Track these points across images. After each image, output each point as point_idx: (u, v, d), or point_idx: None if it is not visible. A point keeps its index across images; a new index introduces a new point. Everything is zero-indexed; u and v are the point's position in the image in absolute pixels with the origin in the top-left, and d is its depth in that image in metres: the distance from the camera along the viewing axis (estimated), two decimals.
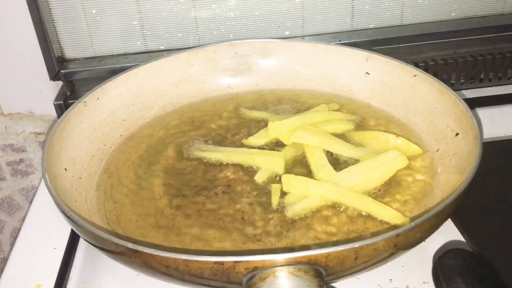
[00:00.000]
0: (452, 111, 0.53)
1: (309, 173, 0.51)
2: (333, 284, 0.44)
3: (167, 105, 0.63)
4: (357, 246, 0.35)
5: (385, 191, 0.49)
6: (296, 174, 0.50)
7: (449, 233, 0.49)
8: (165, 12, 0.68)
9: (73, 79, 0.70)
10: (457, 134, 0.51)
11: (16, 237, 0.53)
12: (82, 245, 0.50)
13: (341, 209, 0.47)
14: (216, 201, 0.48)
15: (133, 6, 0.68)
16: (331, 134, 0.55)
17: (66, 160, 0.51)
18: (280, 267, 0.35)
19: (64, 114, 0.53)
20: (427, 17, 0.74)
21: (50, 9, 0.66)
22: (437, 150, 0.53)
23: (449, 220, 0.48)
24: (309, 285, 0.34)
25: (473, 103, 0.66)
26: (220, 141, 0.57)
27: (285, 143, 0.54)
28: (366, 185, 0.49)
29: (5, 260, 0.52)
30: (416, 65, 0.69)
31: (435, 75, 0.67)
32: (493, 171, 0.53)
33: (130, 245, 0.36)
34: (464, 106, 0.51)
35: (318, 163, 0.51)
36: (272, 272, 0.35)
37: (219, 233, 0.45)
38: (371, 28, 0.73)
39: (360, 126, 0.58)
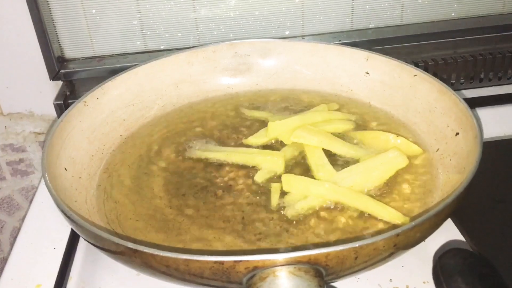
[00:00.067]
0: (452, 110, 0.53)
1: (309, 173, 0.51)
2: (333, 284, 0.44)
3: (167, 105, 0.63)
4: (357, 245, 0.35)
5: (385, 191, 0.49)
6: (296, 174, 0.50)
7: (449, 232, 0.49)
8: (165, 12, 0.68)
9: (73, 79, 0.70)
10: (457, 133, 0.51)
11: (16, 237, 0.53)
12: (82, 244, 0.50)
13: (341, 209, 0.47)
14: (216, 201, 0.48)
15: (133, 6, 0.68)
16: (331, 134, 0.55)
17: (66, 159, 0.51)
18: (280, 267, 0.35)
19: (64, 114, 0.53)
20: (427, 17, 0.73)
21: (50, 9, 0.66)
22: (437, 150, 0.53)
23: (449, 219, 0.48)
24: (309, 284, 0.34)
25: (473, 103, 0.66)
26: (220, 141, 0.57)
27: (285, 142, 0.54)
28: (366, 185, 0.49)
29: (5, 260, 0.52)
30: (416, 65, 0.69)
31: (435, 75, 0.67)
32: (493, 171, 0.53)
33: (130, 245, 0.36)
34: (464, 105, 0.51)
35: (318, 162, 0.51)
36: (272, 272, 0.35)
37: (219, 233, 0.45)
38: (371, 28, 0.73)
39: (360, 126, 0.58)
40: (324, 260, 0.35)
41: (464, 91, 0.72)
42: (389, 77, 0.60)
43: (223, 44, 0.65)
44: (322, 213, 0.46)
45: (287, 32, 0.72)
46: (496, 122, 0.65)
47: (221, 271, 0.35)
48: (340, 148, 0.53)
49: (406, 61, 0.60)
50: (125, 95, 0.60)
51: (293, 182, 0.48)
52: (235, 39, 0.69)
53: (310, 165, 0.51)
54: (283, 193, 0.48)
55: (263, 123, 0.58)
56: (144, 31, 0.69)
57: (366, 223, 0.45)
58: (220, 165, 0.53)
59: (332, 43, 0.66)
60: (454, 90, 0.53)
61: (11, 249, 0.51)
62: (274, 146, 0.55)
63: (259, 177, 0.51)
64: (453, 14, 0.74)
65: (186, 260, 0.35)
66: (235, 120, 0.60)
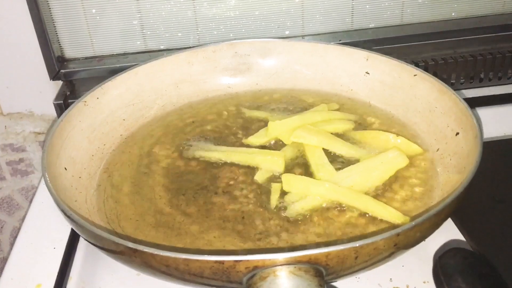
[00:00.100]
0: (452, 110, 0.53)
1: (309, 173, 0.51)
2: (333, 284, 0.44)
3: (167, 104, 0.63)
4: (357, 245, 0.35)
5: (385, 191, 0.49)
6: (296, 174, 0.50)
7: (449, 232, 0.49)
8: (165, 11, 0.68)
9: (73, 79, 0.70)
10: (457, 133, 0.51)
11: (16, 237, 0.53)
12: (82, 244, 0.50)
13: (341, 209, 0.47)
14: (216, 201, 0.48)
15: (133, 5, 0.68)
16: (331, 133, 0.55)
17: (66, 159, 0.51)
18: (280, 267, 0.35)
19: (64, 114, 0.53)
20: (427, 16, 0.73)
21: (50, 8, 0.66)
22: (437, 150, 0.53)
23: (449, 219, 0.48)
24: (309, 284, 0.34)
25: (473, 103, 0.66)
26: (220, 141, 0.57)
27: (285, 142, 0.54)
28: (366, 185, 0.49)
29: (5, 259, 0.52)
30: (416, 64, 0.69)
31: (435, 74, 0.67)
32: (493, 170, 0.53)
33: (130, 245, 0.36)
34: (464, 105, 0.51)
35: (318, 162, 0.51)
36: (273, 272, 0.35)
37: (219, 233, 0.45)
38: (371, 28, 0.73)
39: (360, 125, 0.58)
40: (325, 259, 0.35)
41: (464, 91, 0.72)
42: (389, 77, 0.60)
43: (223, 44, 0.65)
44: (322, 213, 0.46)
45: (287, 32, 0.72)
46: (496, 122, 0.65)
47: (221, 270, 0.35)
48: (340, 148, 0.53)
49: (406, 61, 0.60)
50: (125, 95, 0.60)
51: (293, 182, 0.48)
52: (235, 39, 0.69)
53: (310, 165, 0.51)
54: (283, 193, 0.48)
55: (263, 123, 0.58)
56: (144, 31, 0.69)
57: (366, 222, 0.45)
58: (220, 165, 0.53)
59: (332, 43, 0.66)
60: (454, 90, 0.53)
61: (11, 249, 0.51)
62: (274, 146, 0.55)
63: (259, 177, 0.51)
64: (453, 14, 0.74)
65: (186, 259, 0.35)
66: (235, 120, 0.60)
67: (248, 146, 0.55)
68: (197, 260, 0.35)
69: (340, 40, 0.71)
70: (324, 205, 0.47)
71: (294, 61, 0.66)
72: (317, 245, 0.43)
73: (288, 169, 0.51)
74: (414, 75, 0.58)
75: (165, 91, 0.63)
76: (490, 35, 0.74)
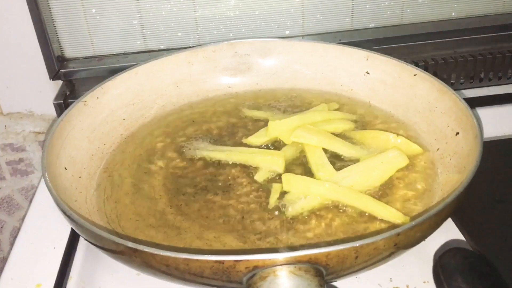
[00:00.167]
0: (452, 110, 0.53)
1: (309, 173, 0.51)
2: (333, 283, 0.44)
3: (167, 104, 0.63)
4: (357, 245, 0.35)
5: (385, 190, 0.49)
6: (296, 174, 0.50)
7: (449, 232, 0.49)
8: (165, 11, 0.68)
9: (73, 79, 0.70)
10: (457, 133, 0.51)
11: (16, 237, 0.53)
12: (82, 244, 0.50)
13: (341, 209, 0.47)
14: (216, 201, 0.48)
15: (133, 5, 0.67)
16: (331, 133, 0.55)
17: (66, 159, 0.51)
18: (280, 266, 0.35)
19: (64, 114, 0.53)
20: (427, 16, 0.73)
21: (50, 8, 0.66)
22: (437, 150, 0.53)
23: (449, 219, 0.48)
24: (309, 284, 0.34)
25: (473, 103, 0.66)
26: (220, 141, 0.57)
27: (285, 142, 0.54)
28: (366, 184, 0.49)
29: (5, 259, 0.52)
30: (416, 64, 0.69)
31: (435, 74, 0.67)
32: (493, 170, 0.53)
33: (130, 244, 0.36)
34: (464, 105, 0.51)
35: (318, 162, 0.51)
36: (273, 271, 0.35)
37: (219, 233, 0.45)
38: (371, 28, 0.73)
39: (360, 125, 0.58)
40: (325, 259, 0.35)
41: (464, 91, 0.72)
42: (389, 76, 0.60)
43: (223, 43, 0.65)
44: (322, 213, 0.46)
45: (287, 32, 0.72)
46: (496, 122, 0.65)
47: (221, 270, 0.35)
48: (340, 148, 0.53)
49: (406, 60, 0.60)
50: (125, 94, 0.60)
51: (293, 182, 0.48)
52: (235, 39, 0.69)
53: (310, 165, 0.51)
54: (283, 193, 0.48)
55: (263, 123, 0.58)
56: (144, 30, 0.69)
57: (366, 222, 0.45)
58: (220, 165, 0.53)
59: (332, 42, 0.66)
60: (454, 89, 0.53)
61: (11, 248, 0.51)
62: (274, 145, 0.55)
63: (259, 177, 0.51)
64: (453, 14, 0.74)
65: (186, 259, 0.35)
66: (235, 120, 0.60)
67: (248, 146, 0.55)
68: (197, 260, 0.35)
69: (340, 40, 0.71)
70: (324, 205, 0.47)
71: (294, 61, 0.66)
72: (317, 245, 0.43)
73: (288, 169, 0.51)
74: (414, 75, 0.58)
75: (165, 91, 0.63)
76: (490, 35, 0.74)
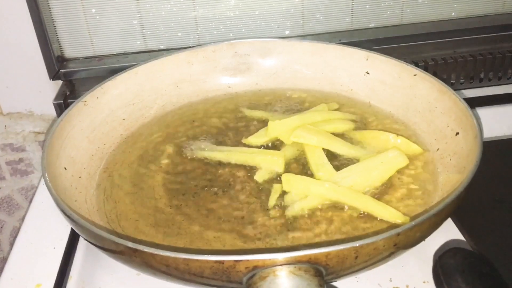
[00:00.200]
0: (452, 110, 0.53)
1: (309, 173, 0.51)
2: (333, 283, 0.44)
3: (167, 104, 0.63)
4: (357, 245, 0.35)
5: (385, 191, 0.49)
6: (296, 174, 0.50)
7: (449, 232, 0.49)
8: (165, 11, 0.68)
9: (73, 79, 0.70)
10: (457, 133, 0.51)
11: (15, 237, 0.53)
12: (82, 244, 0.50)
13: (341, 209, 0.47)
14: (216, 201, 0.48)
15: (133, 5, 0.67)
16: (331, 133, 0.55)
17: (66, 159, 0.51)
18: (280, 266, 0.35)
19: (63, 114, 0.53)
20: (427, 16, 0.73)
21: (49, 8, 0.66)
22: (437, 150, 0.53)
23: (449, 219, 0.48)
24: (309, 284, 0.34)
25: (473, 103, 0.65)
26: (220, 141, 0.57)
27: (285, 142, 0.54)
28: (366, 185, 0.49)
29: (4, 259, 0.52)
30: (416, 64, 0.69)
31: (435, 74, 0.67)
32: (493, 170, 0.53)
33: (130, 244, 0.36)
34: (464, 105, 0.51)
35: (318, 162, 0.51)
36: (273, 271, 0.35)
37: (219, 233, 0.45)
38: (371, 28, 0.73)
39: (360, 125, 0.58)
40: (324, 259, 0.35)
41: (464, 91, 0.72)
42: (389, 76, 0.60)
43: (223, 43, 0.65)
44: (322, 213, 0.46)
45: (287, 32, 0.72)
46: (496, 122, 0.65)
47: (221, 270, 0.35)
48: (340, 148, 0.53)
49: (406, 60, 0.60)
50: (125, 94, 0.60)
51: (293, 182, 0.48)
52: (235, 39, 0.69)
53: (310, 165, 0.51)
54: (283, 193, 0.48)
55: (263, 123, 0.58)
56: (144, 30, 0.69)
57: (366, 222, 0.45)
58: (220, 165, 0.53)
59: (332, 42, 0.66)
60: (454, 90, 0.53)
61: (11, 248, 0.51)
62: (274, 145, 0.55)
63: (259, 177, 0.51)
64: (453, 14, 0.74)
65: (186, 259, 0.35)
66: (235, 120, 0.60)
67: (248, 146, 0.55)
68: (197, 260, 0.35)
69: (340, 40, 0.71)
70: (324, 205, 0.47)
71: (294, 61, 0.66)
72: (317, 245, 0.43)
73: (288, 169, 0.51)
74: (414, 75, 0.58)
75: (165, 91, 0.63)
76: (490, 35, 0.74)
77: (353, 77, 0.63)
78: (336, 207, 0.47)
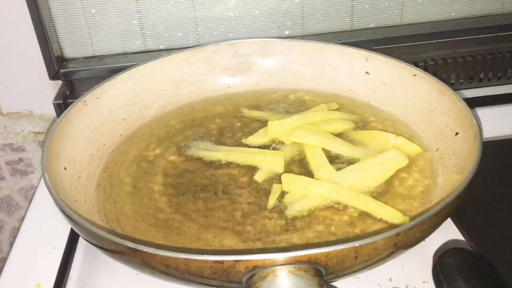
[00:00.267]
0: (452, 110, 0.53)
1: (308, 173, 0.51)
2: (333, 283, 0.44)
3: (166, 104, 0.63)
4: (357, 245, 0.35)
5: (385, 191, 0.49)
6: (296, 174, 0.50)
7: (449, 232, 0.49)
8: (165, 11, 0.68)
9: (73, 79, 0.70)
10: (457, 133, 0.51)
11: (15, 237, 0.53)
12: (82, 244, 0.50)
13: (341, 209, 0.47)
14: (216, 201, 0.48)
15: (132, 5, 0.67)
16: (331, 133, 0.55)
17: (66, 159, 0.51)
18: (280, 266, 0.35)
19: (63, 114, 0.53)
20: (426, 16, 0.74)
21: (49, 8, 0.66)
22: (437, 150, 0.53)
23: (449, 219, 0.48)
24: (309, 284, 0.34)
25: (473, 103, 0.66)
26: (220, 141, 0.57)
27: (284, 142, 0.54)
28: (366, 185, 0.49)
29: (4, 259, 0.52)
30: (416, 64, 0.69)
31: (434, 74, 0.67)
32: (493, 171, 0.53)
33: (130, 244, 0.36)
34: (464, 105, 0.51)
35: (318, 162, 0.51)
36: (272, 271, 0.35)
37: (218, 233, 0.45)
38: (370, 28, 0.73)
39: (360, 125, 0.58)
40: (324, 259, 0.35)
41: (463, 91, 0.72)
42: (389, 76, 0.60)
43: (223, 43, 0.65)
44: (322, 213, 0.46)
45: (287, 32, 0.72)
46: (496, 122, 0.65)
47: (221, 270, 0.35)
48: (340, 148, 0.53)
49: (406, 61, 0.60)
50: (125, 94, 0.60)
51: (293, 182, 0.48)
52: (234, 39, 0.69)
53: (310, 165, 0.51)
54: (283, 193, 0.48)
55: (263, 123, 0.58)
56: (143, 30, 0.69)
57: (366, 222, 0.45)
58: (220, 165, 0.53)
59: (332, 43, 0.66)
60: (454, 90, 0.53)
61: (10, 248, 0.51)
62: (274, 145, 0.55)
63: (259, 177, 0.51)
64: (452, 14, 0.74)
65: (185, 259, 0.35)
66: (235, 120, 0.60)
67: (248, 146, 0.55)
68: (197, 260, 0.35)
69: (340, 40, 0.71)
70: (324, 205, 0.47)
71: (294, 61, 0.66)
72: (317, 245, 0.43)
73: (288, 169, 0.51)
74: (414, 75, 0.58)
75: (165, 91, 0.63)
76: (490, 35, 0.74)
77: (353, 77, 0.63)
78: (336, 207, 0.47)
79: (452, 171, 0.49)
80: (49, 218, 0.54)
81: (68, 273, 0.47)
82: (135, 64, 0.62)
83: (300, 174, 0.50)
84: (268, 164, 0.51)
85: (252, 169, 0.52)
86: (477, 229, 0.48)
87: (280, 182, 0.49)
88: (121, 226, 0.47)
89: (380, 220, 0.45)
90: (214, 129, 0.59)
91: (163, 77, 0.63)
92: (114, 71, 0.62)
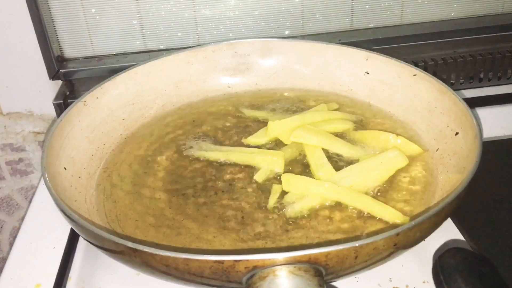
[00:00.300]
0: (452, 110, 0.53)
1: (308, 173, 0.51)
2: (333, 283, 0.44)
3: (166, 104, 0.63)
4: (357, 245, 0.35)
5: (385, 190, 0.49)
6: (296, 174, 0.50)
7: (448, 232, 0.49)
8: (165, 11, 0.68)
9: (73, 79, 0.70)
10: (456, 133, 0.51)
11: (15, 237, 0.53)
12: (82, 244, 0.50)
13: (341, 209, 0.47)
14: (216, 201, 0.48)
15: (132, 5, 0.67)
16: (331, 133, 0.55)
17: (66, 159, 0.51)
18: (280, 266, 0.35)
19: (63, 114, 0.53)
20: (426, 16, 0.74)
21: (49, 8, 0.66)
22: (437, 150, 0.53)
23: (449, 219, 0.48)
24: (309, 284, 0.34)
25: (473, 103, 0.66)
26: (220, 141, 0.57)
27: (284, 142, 0.54)
28: (366, 185, 0.49)
29: (4, 259, 0.52)
30: (416, 64, 0.69)
31: (434, 74, 0.67)
32: (493, 171, 0.53)
33: (130, 244, 0.36)
34: (463, 105, 0.51)
35: (318, 162, 0.51)
36: (272, 271, 0.35)
37: (218, 233, 0.45)
38: (370, 28, 0.73)
39: (360, 125, 0.58)
40: (324, 259, 0.35)
41: (463, 91, 0.72)
42: (389, 76, 0.60)
43: (223, 43, 0.65)
44: (322, 213, 0.46)
45: (287, 32, 0.72)
46: (496, 122, 0.65)
47: (221, 270, 0.35)
48: (340, 148, 0.53)
49: (406, 61, 0.60)
50: (125, 94, 0.60)
51: (293, 182, 0.48)
52: (234, 39, 0.69)
53: (310, 165, 0.51)
54: (283, 193, 0.48)
55: (263, 123, 0.58)
56: (143, 30, 0.69)
57: (366, 222, 0.45)
58: (220, 165, 0.53)
59: (332, 43, 0.66)
60: (454, 90, 0.53)
61: (10, 248, 0.51)
62: (274, 145, 0.55)
63: (259, 177, 0.51)
64: (452, 14, 0.74)
65: (186, 259, 0.35)
66: (235, 120, 0.60)
67: (248, 146, 0.55)
68: (197, 260, 0.35)
69: (340, 40, 0.71)
70: (324, 205, 0.47)
71: (294, 61, 0.66)
72: (317, 244, 0.43)
73: (288, 169, 0.51)
74: (414, 75, 0.58)
75: (165, 91, 0.63)
76: (490, 35, 0.74)
77: (353, 77, 0.63)
78: (336, 207, 0.47)
79: (452, 171, 0.49)
80: (49, 218, 0.54)
81: (68, 273, 0.47)
82: (135, 64, 0.62)
83: (300, 174, 0.50)
84: (268, 164, 0.51)
85: (252, 169, 0.52)
86: (477, 229, 0.48)
87: (280, 182, 0.49)
88: (121, 226, 0.47)
89: (380, 220, 0.45)
90: (214, 129, 0.59)
91: (163, 77, 0.63)
92: (114, 71, 0.62)
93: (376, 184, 0.49)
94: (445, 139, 0.52)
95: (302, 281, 0.34)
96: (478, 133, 0.47)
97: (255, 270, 0.35)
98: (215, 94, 0.65)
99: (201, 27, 0.70)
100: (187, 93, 0.64)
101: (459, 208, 0.43)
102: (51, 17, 0.67)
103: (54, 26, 0.67)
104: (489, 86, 0.73)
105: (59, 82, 0.70)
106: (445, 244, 0.48)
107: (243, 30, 0.71)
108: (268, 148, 0.54)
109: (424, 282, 0.44)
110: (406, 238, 0.38)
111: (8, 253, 0.51)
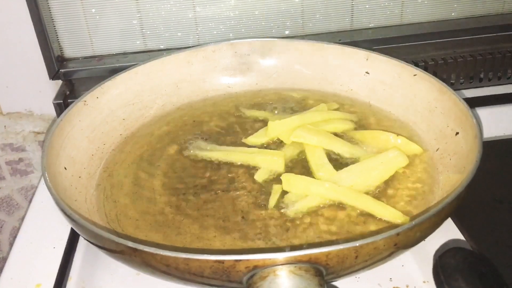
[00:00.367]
0: (452, 110, 0.53)
1: (309, 172, 0.51)
2: (333, 283, 0.44)
3: (166, 104, 0.63)
4: (357, 245, 0.35)
5: (385, 190, 0.49)
6: (296, 173, 0.50)
7: (449, 232, 0.49)
8: (165, 11, 0.68)
9: (73, 78, 0.70)
10: (457, 133, 0.51)
11: (15, 237, 0.53)
12: (82, 244, 0.50)
13: (341, 208, 0.47)
14: (216, 200, 0.48)
15: (132, 5, 0.67)
16: (331, 133, 0.55)
17: (66, 159, 0.51)
18: (280, 266, 0.35)
19: (63, 113, 0.53)
20: (426, 16, 0.74)
21: (49, 8, 0.66)
22: (437, 150, 0.53)
23: (449, 219, 0.48)
24: (309, 284, 0.34)
25: (473, 103, 0.65)
26: (220, 140, 0.57)
27: (285, 142, 0.54)
28: (366, 184, 0.49)
29: (4, 259, 0.52)
30: (416, 64, 0.69)
31: (434, 74, 0.67)
32: (493, 170, 0.53)
33: (130, 244, 0.36)
34: (464, 105, 0.51)
35: (318, 162, 0.51)
36: (273, 271, 0.35)
37: (219, 232, 0.45)
38: (371, 28, 0.73)
39: (360, 125, 0.58)
40: (325, 259, 0.35)
41: (464, 91, 0.72)
42: (389, 76, 0.60)
43: (223, 43, 0.65)
44: (322, 213, 0.46)
45: (287, 32, 0.72)
46: (496, 122, 0.65)
47: (221, 270, 0.35)
48: (340, 148, 0.53)
49: (406, 60, 0.60)
50: (125, 94, 0.60)
51: (293, 182, 0.48)
52: (235, 39, 0.69)
53: (310, 165, 0.51)
54: (283, 193, 0.48)
55: (263, 123, 0.58)
56: (143, 30, 0.69)
57: (366, 222, 0.45)
58: (220, 165, 0.53)
59: (332, 43, 0.66)
60: (454, 90, 0.53)
61: (10, 248, 0.51)
62: (274, 145, 0.55)
63: (259, 177, 0.51)
64: (452, 14, 0.74)
65: (186, 259, 0.35)
66: (235, 120, 0.60)
67: (248, 146, 0.55)
68: (197, 260, 0.35)
69: (340, 40, 0.71)
70: (324, 204, 0.47)
71: (294, 61, 0.66)
72: (317, 244, 0.43)
73: (288, 169, 0.51)
74: (414, 75, 0.58)
75: (165, 90, 0.63)
76: (490, 35, 0.74)
77: (353, 77, 0.63)
78: (336, 207, 0.47)
79: (452, 171, 0.49)
80: (49, 218, 0.54)
81: (68, 273, 0.47)
82: (135, 64, 0.62)
83: (300, 174, 0.50)
84: (268, 164, 0.51)
85: (253, 169, 0.52)
86: (477, 229, 0.48)
87: (281, 182, 0.49)
88: (121, 225, 0.47)
89: (380, 220, 0.45)
90: (214, 129, 0.59)
91: (163, 77, 0.63)
92: (114, 71, 0.62)
93: (376, 184, 0.49)
94: (445, 139, 0.52)
95: (302, 281, 0.34)
96: (478, 133, 0.47)
97: (255, 270, 0.35)
98: (215, 94, 0.65)
99: (201, 27, 0.70)
100: (187, 93, 0.64)
101: (459, 208, 0.43)
102: (51, 17, 0.67)
103: (54, 26, 0.67)
104: (489, 86, 0.73)
105: (59, 82, 0.70)
106: (446, 244, 0.48)
107: (243, 30, 0.71)
108: (268, 148, 0.54)
109: (424, 282, 0.44)
110: (407, 238, 0.38)
111: (8, 253, 0.51)
